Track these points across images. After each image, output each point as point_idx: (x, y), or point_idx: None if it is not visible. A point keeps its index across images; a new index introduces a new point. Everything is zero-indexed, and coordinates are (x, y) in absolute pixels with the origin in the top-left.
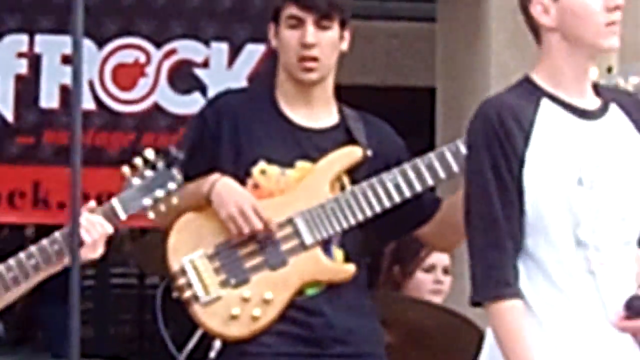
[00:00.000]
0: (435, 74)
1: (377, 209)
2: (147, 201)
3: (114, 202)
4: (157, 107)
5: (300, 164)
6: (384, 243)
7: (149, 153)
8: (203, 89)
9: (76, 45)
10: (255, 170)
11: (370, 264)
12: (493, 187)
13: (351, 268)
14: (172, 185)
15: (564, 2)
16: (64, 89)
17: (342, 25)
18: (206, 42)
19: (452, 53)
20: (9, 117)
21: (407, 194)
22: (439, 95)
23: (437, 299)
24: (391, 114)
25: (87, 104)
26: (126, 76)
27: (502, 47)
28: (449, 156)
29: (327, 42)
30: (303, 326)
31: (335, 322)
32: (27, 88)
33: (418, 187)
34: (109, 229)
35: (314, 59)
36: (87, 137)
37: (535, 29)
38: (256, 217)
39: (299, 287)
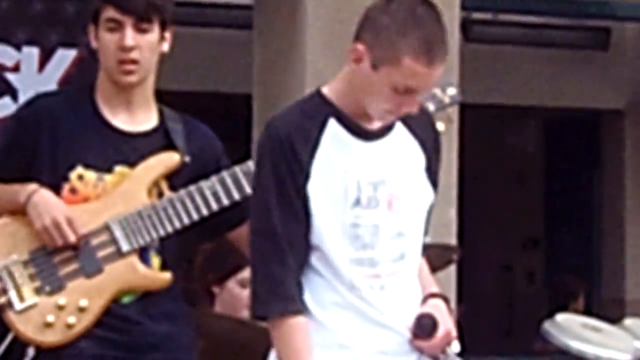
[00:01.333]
0: (252, 81)
1: (195, 217)
2: None
3: None
4: None
5: (119, 169)
6: (198, 243)
7: None
8: (13, 93)
9: None
10: (73, 175)
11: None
12: (276, 206)
13: (167, 276)
14: None
15: (374, 76)
16: None
17: (163, 26)
18: (17, 47)
19: (268, 60)
20: None
21: (225, 202)
22: (255, 101)
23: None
24: (209, 119)
25: None
26: None
27: (317, 55)
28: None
29: (147, 44)
30: (120, 332)
31: (151, 329)
32: None
33: (236, 196)
34: None
35: (133, 62)
36: None
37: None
38: (70, 229)
39: (114, 294)
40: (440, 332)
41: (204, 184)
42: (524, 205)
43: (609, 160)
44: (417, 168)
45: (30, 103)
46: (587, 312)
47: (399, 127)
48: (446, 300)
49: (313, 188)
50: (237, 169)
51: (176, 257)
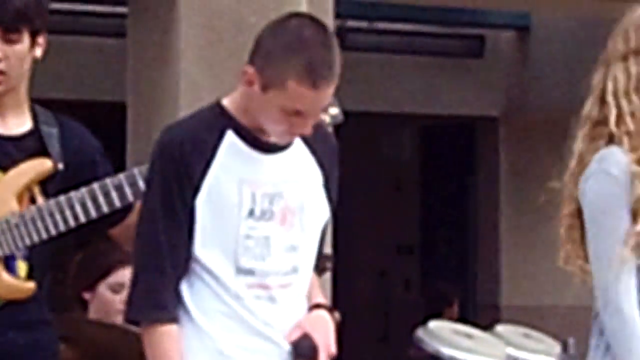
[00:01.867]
0: (125, 89)
1: (62, 228)
2: None
3: None
4: None
5: None
6: (78, 241)
7: None
8: None
9: None
10: None
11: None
12: (161, 213)
13: (31, 286)
14: None
15: (265, 98)
16: None
17: (34, 35)
18: None
19: (142, 69)
20: None
21: (94, 214)
22: (129, 110)
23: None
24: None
25: None
26: None
27: (190, 65)
28: (139, 180)
29: (15, 55)
30: None
31: (13, 339)
32: None
33: (105, 209)
34: None
35: (0, 73)
36: None
37: None
38: None
39: None
40: (322, 358)
41: (74, 195)
42: (400, 212)
43: (484, 167)
44: (313, 183)
45: None
46: (462, 318)
47: (298, 142)
48: (330, 310)
49: (202, 200)
50: (109, 181)
51: (44, 262)
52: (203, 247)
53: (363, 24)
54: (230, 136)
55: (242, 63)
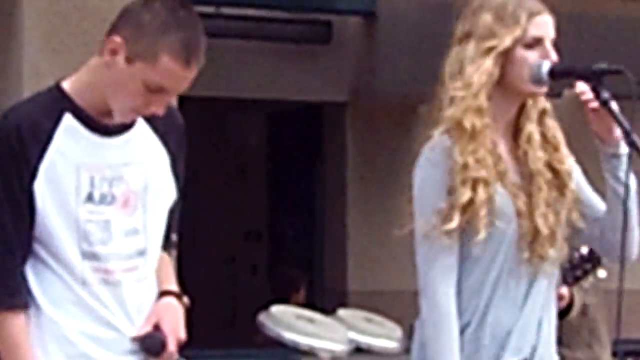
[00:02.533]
0: None
1: None
2: None
3: None
4: None
5: None
6: None
7: None
8: None
9: None
10: None
11: None
12: (3, 198)
13: None
14: None
15: (128, 70)
16: None
17: None
18: None
19: None
20: None
21: None
22: None
23: None
24: None
25: None
26: None
27: (34, 50)
28: None
29: None
30: None
31: None
32: None
33: None
34: None
35: None
36: None
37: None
38: None
39: None
40: (171, 347)
41: None
42: (247, 198)
43: (331, 153)
44: (159, 165)
45: None
46: (309, 304)
47: (141, 123)
48: (179, 296)
49: (40, 184)
50: None
51: None
52: (48, 232)
53: (210, 10)
54: (68, 119)
55: (86, 47)
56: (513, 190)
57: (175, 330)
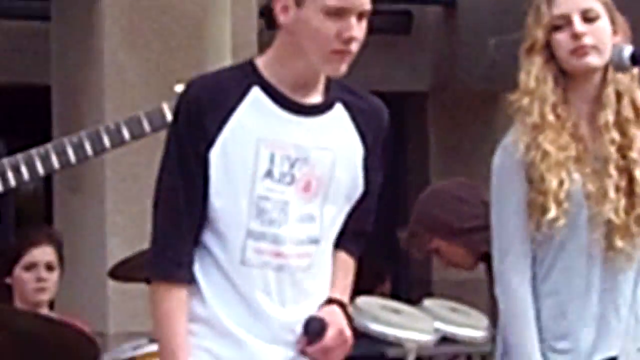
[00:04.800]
0: (50, 73)
1: None
2: None
3: None
4: None
5: None
6: None
7: None
8: None
9: None
10: None
11: None
12: (175, 166)
13: None
14: None
15: (304, 12)
16: None
17: None
18: None
19: (66, 51)
20: None
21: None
22: (54, 93)
23: (43, 297)
24: (8, 112)
25: None
26: None
27: (115, 45)
28: (37, 160)
29: None
30: None
31: None
32: None
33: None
34: None
35: None
36: None
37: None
38: None
39: None
40: (331, 333)
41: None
42: None
43: (413, 143)
44: (350, 156)
45: None
46: (394, 295)
47: (340, 110)
48: (343, 306)
49: (216, 154)
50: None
51: None
52: (214, 206)
53: None
54: (255, 92)
55: (166, 42)
56: (588, 174)
57: (339, 325)
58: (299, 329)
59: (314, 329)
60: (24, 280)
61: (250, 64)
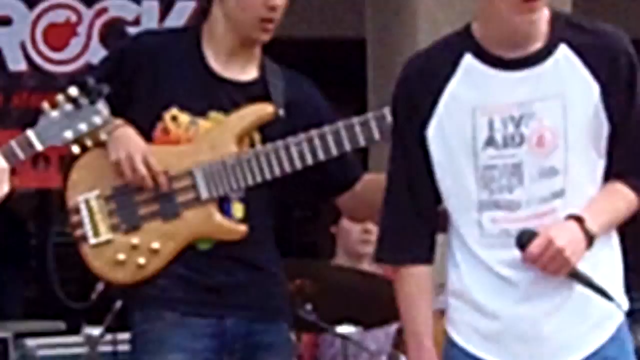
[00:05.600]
0: (365, 26)
1: (277, 172)
2: (68, 134)
3: (29, 132)
4: (89, 67)
5: (214, 115)
6: (304, 205)
7: (72, 90)
8: None
9: None
10: (167, 115)
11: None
12: (398, 152)
13: (242, 228)
14: (97, 120)
15: None
16: None
17: None
18: (137, 0)
19: (381, 5)
20: None
21: (309, 160)
22: (369, 47)
23: (367, 248)
24: (323, 65)
25: (20, 65)
26: (58, 36)
27: (430, 1)
28: (357, 128)
29: (284, 4)
30: (200, 274)
31: (232, 274)
32: None
33: (321, 155)
34: (4, 165)
35: (272, 21)
36: (22, 98)
37: None
38: (142, 164)
39: (187, 240)
40: (537, 241)
41: (291, 140)
42: None
43: None
44: (585, 97)
45: (135, 39)
46: None
47: (565, 52)
48: (581, 221)
49: (433, 132)
50: (327, 128)
51: (262, 206)
52: (440, 182)
53: None
54: (467, 59)
55: None
56: None
57: (547, 238)
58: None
59: (519, 239)
60: (348, 230)
61: (465, 29)
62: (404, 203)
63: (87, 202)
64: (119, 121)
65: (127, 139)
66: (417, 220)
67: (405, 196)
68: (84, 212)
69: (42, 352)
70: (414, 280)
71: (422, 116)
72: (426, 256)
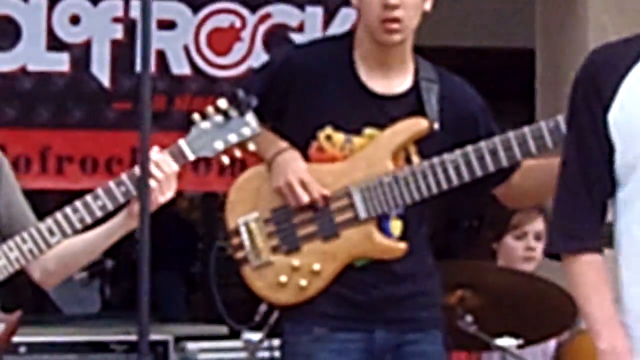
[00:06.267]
0: (534, 36)
1: (434, 190)
2: (219, 145)
3: (181, 142)
4: (252, 72)
5: (368, 131)
6: (460, 201)
7: (222, 102)
8: None
9: (145, 12)
10: (321, 135)
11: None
12: (575, 135)
13: (402, 246)
14: (246, 131)
15: None
16: (159, 54)
17: None
18: (301, 6)
19: (550, 14)
20: (106, 82)
21: (466, 177)
22: (538, 56)
23: (528, 267)
24: (490, 76)
25: (183, 69)
26: (222, 41)
27: (599, 9)
28: (514, 144)
29: (411, 3)
30: (356, 291)
31: (388, 290)
32: (123, 53)
33: (478, 172)
34: (175, 167)
35: (397, 20)
36: (184, 102)
37: None
38: (303, 191)
39: (347, 260)
40: None
41: (447, 157)
42: None
43: None
44: None
45: (289, 52)
46: None
47: None
48: None
49: (615, 115)
50: (483, 144)
51: (419, 219)
52: (623, 169)
53: None
54: None
55: None
56: None
57: None
58: None
59: None
60: (510, 247)
61: None
62: (580, 190)
63: (246, 224)
64: (283, 145)
65: (285, 165)
66: (593, 209)
67: (587, 182)
68: (244, 235)
69: (201, 356)
70: (595, 267)
71: (604, 101)
72: (600, 247)
